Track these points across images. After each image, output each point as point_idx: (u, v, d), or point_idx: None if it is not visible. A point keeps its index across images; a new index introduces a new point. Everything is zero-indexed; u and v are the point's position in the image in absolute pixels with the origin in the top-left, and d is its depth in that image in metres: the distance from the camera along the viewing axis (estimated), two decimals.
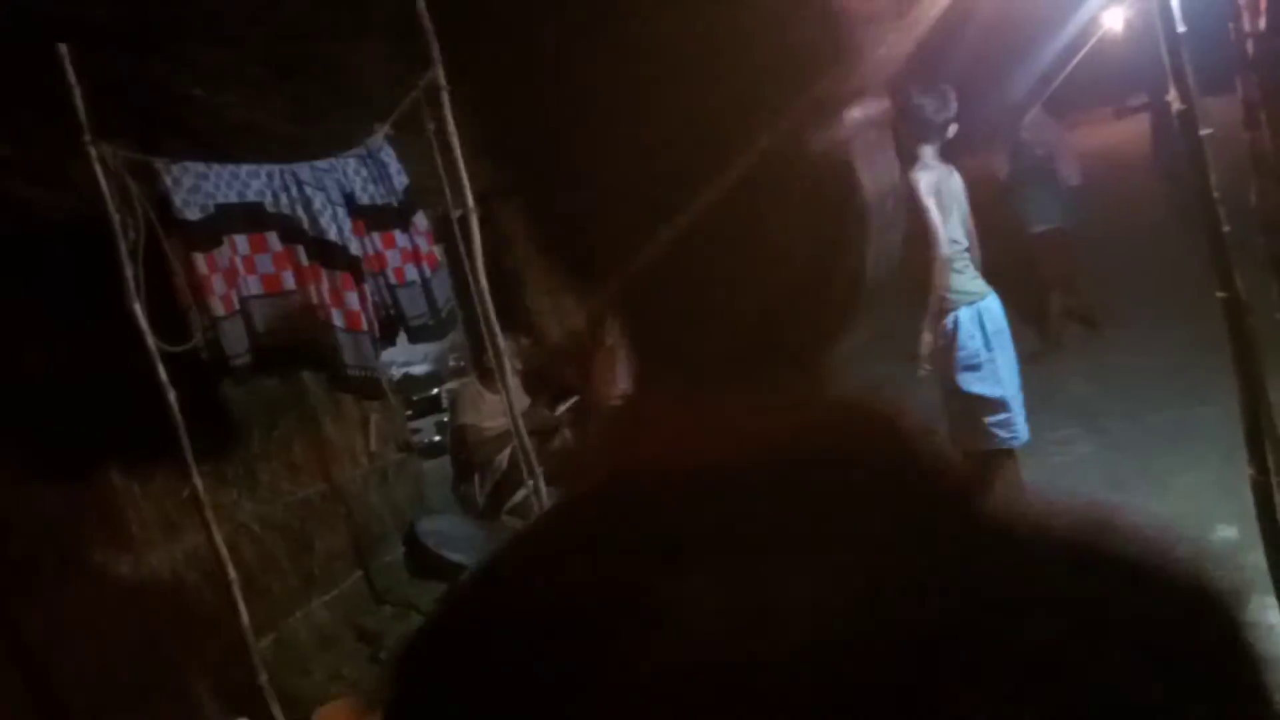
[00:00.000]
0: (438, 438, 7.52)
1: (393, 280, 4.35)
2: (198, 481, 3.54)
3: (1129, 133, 19.34)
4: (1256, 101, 5.07)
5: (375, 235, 4.28)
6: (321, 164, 4.10)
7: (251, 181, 3.86)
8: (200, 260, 3.63)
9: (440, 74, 4.03)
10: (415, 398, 8.11)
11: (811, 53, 0.53)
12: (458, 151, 4.10)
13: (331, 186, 4.09)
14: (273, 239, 3.93)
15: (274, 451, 4.66)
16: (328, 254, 4.06)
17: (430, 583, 5.22)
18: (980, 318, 4.07)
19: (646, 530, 0.52)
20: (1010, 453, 4.14)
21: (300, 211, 3.99)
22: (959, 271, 4.08)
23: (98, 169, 3.32)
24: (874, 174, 0.57)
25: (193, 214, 3.62)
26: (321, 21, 4.41)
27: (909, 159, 4.02)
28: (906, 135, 4.02)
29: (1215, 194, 3.09)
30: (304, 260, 4.00)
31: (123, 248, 3.39)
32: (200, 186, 3.66)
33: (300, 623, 4.46)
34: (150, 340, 3.43)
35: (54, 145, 3.52)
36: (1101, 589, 0.47)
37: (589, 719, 0.47)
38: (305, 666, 4.20)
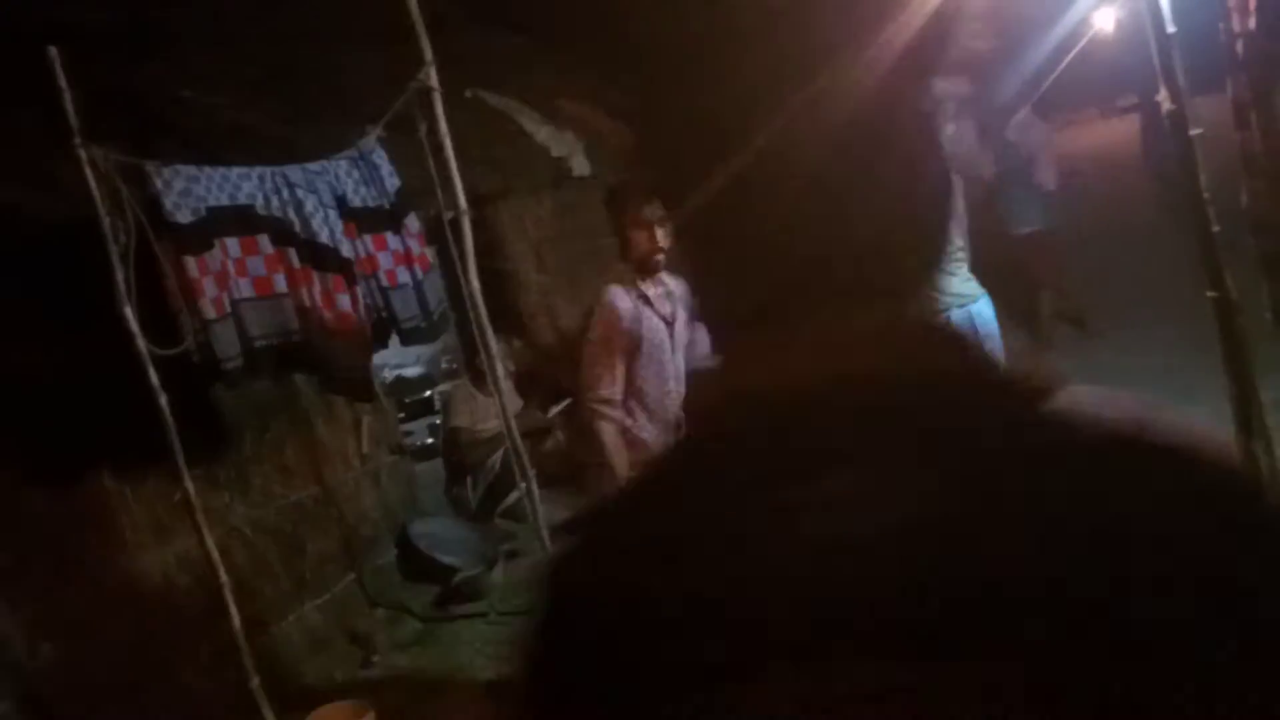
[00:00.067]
0: (430, 440, 7.51)
1: (385, 283, 4.34)
2: (189, 485, 3.54)
3: (1119, 133, 19.40)
4: (1247, 102, 5.09)
5: (367, 237, 4.28)
6: (313, 166, 4.09)
7: (243, 184, 3.85)
8: (191, 263, 3.62)
9: (432, 75, 4.03)
10: (407, 400, 8.10)
11: (914, 31, 0.61)
12: (450, 153, 4.10)
13: (323, 189, 4.08)
14: (264, 242, 3.92)
15: (266, 454, 4.65)
16: (319, 256, 4.05)
17: (423, 585, 5.22)
18: (972, 321, 4.06)
19: (756, 463, 0.55)
20: None
21: (292, 214, 3.98)
22: (952, 273, 4.07)
23: (88, 172, 3.31)
24: (951, 142, 0.63)
25: (184, 217, 3.61)
26: (313, 23, 4.40)
27: None
28: None
29: (1205, 194, 3.10)
30: (296, 263, 4.00)
31: (113, 251, 3.38)
32: (191, 189, 3.65)
33: (292, 626, 4.45)
34: (141, 343, 3.42)
35: (44, 148, 3.51)
36: (1171, 521, 0.49)
37: (739, 637, 0.49)
38: (297, 670, 4.19)
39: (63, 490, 3.56)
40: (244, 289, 3.85)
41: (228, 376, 3.78)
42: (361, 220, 4.25)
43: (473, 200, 4.54)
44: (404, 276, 4.39)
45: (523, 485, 4.70)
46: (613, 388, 3.50)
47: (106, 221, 3.36)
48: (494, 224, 7.05)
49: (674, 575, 0.53)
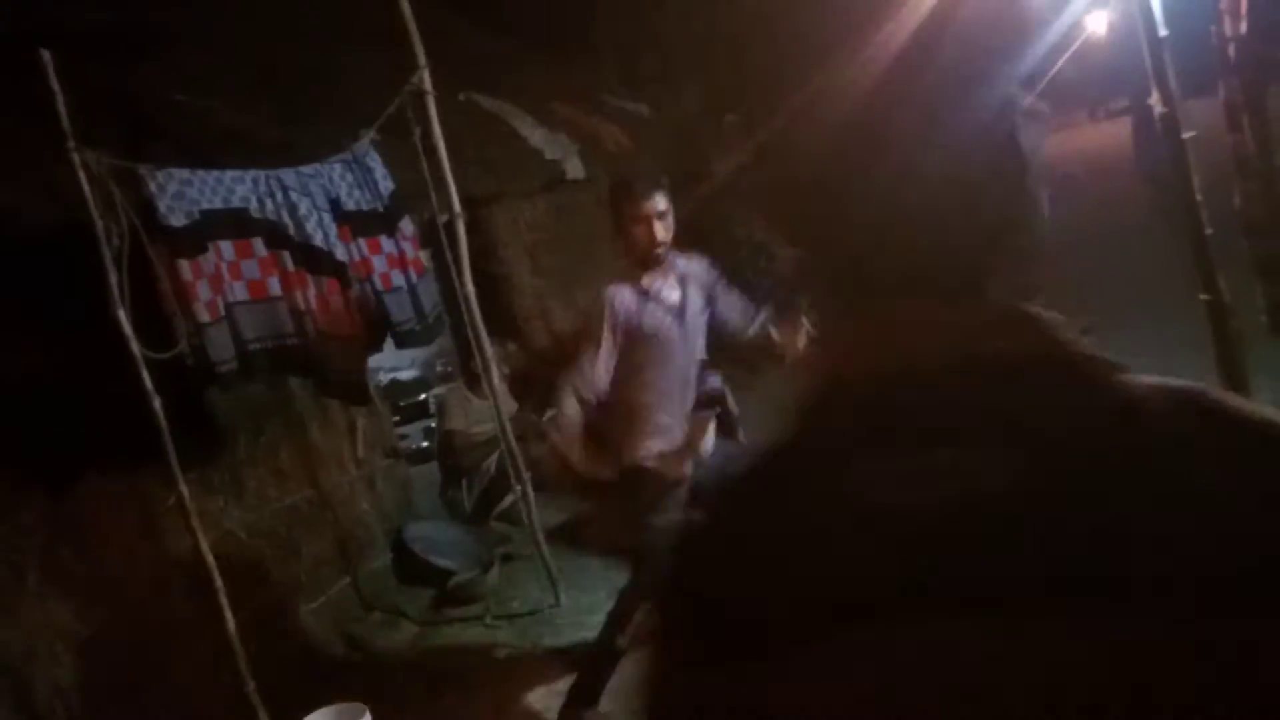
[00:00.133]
0: (425, 443, 7.50)
1: (379, 286, 4.34)
2: (183, 488, 3.53)
3: (1110, 136, 19.44)
4: (1239, 105, 5.11)
5: (361, 241, 4.27)
6: (307, 169, 4.09)
7: (236, 187, 3.85)
8: (185, 267, 3.62)
9: (426, 78, 4.03)
10: (402, 403, 8.09)
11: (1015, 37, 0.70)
12: (443, 156, 4.11)
13: (317, 192, 4.08)
14: (258, 245, 3.92)
15: (260, 458, 4.64)
16: (314, 260, 4.05)
17: (418, 589, 5.21)
18: None
19: (867, 438, 0.63)
20: None
21: (286, 217, 3.98)
22: None
23: (82, 175, 3.31)
24: (1038, 142, 0.73)
25: (177, 220, 3.60)
26: (307, 27, 4.41)
27: None
28: None
29: (1198, 197, 3.11)
30: (290, 266, 3.99)
31: (107, 254, 3.38)
32: (185, 193, 3.65)
33: (288, 629, 4.44)
34: (135, 347, 3.41)
35: (38, 152, 3.51)
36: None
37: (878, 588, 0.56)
38: (293, 673, 4.18)
39: (56, 494, 3.55)
40: (238, 292, 3.84)
41: (222, 380, 3.78)
42: (356, 223, 4.25)
43: (466, 203, 4.55)
44: (398, 279, 4.39)
45: (517, 488, 4.71)
46: (583, 377, 3.49)
47: (100, 225, 3.36)
48: (488, 227, 7.04)
49: (796, 532, 0.61)
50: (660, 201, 3.47)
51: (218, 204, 3.77)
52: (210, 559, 3.59)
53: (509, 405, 5.42)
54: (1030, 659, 0.52)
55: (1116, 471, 0.56)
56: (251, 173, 3.91)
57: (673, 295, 3.60)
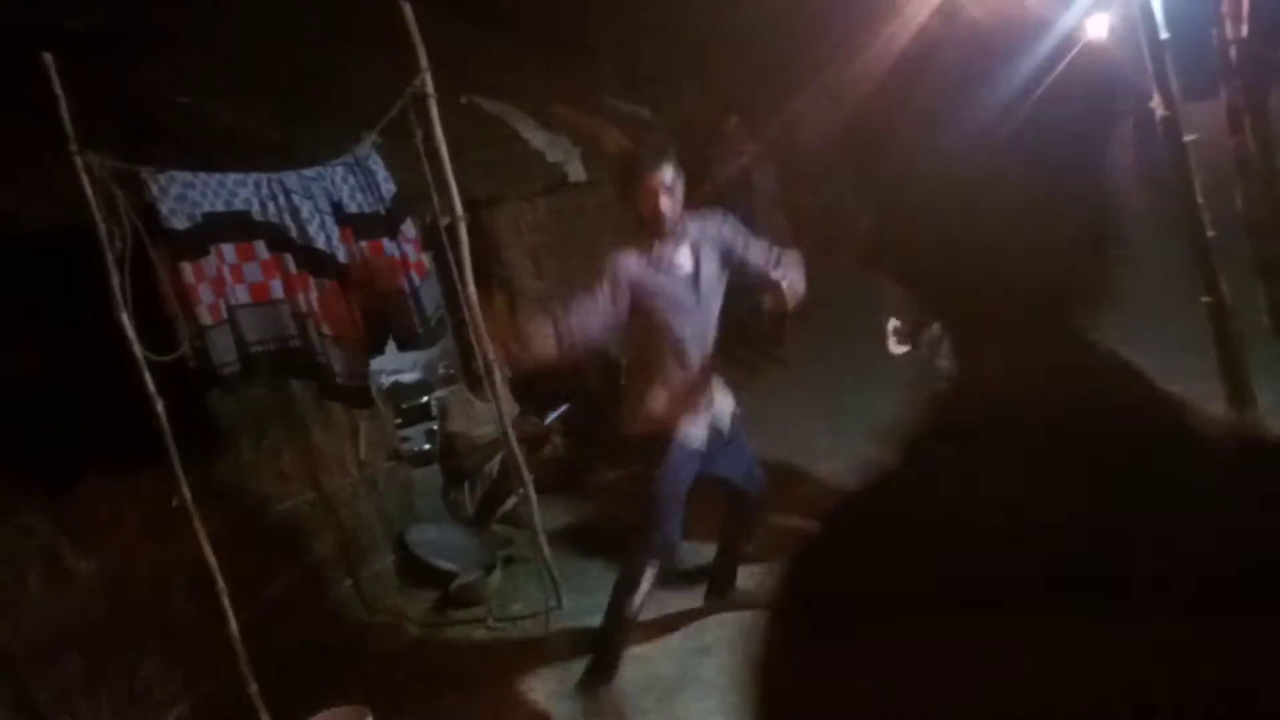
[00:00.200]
0: (427, 446, 7.49)
1: (381, 288, 4.35)
2: (186, 490, 3.53)
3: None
4: (1240, 107, 5.11)
5: (363, 243, 4.28)
6: (309, 172, 4.10)
7: (239, 190, 3.86)
8: (187, 269, 3.63)
9: (428, 80, 4.04)
10: (404, 406, 8.07)
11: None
12: (445, 159, 4.11)
13: (319, 195, 4.09)
14: (260, 248, 3.92)
15: (262, 460, 4.65)
16: (316, 262, 4.05)
17: (420, 591, 5.21)
18: None
19: (978, 455, 0.72)
20: None
21: (288, 220, 3.98)
22: None
23: (84, 178, 3.31)
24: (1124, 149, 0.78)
25: (180, 223, 3.61)
26: (309, 30, 4.41)
27: None
28: None
29: (1199, 199, 3.11)
30: (292, 269, 4.00)
31: (110, 257, 3.38)
32: (187, 195, 3.65)
33: (289, 632, 4.44)
34: (137, 349, 3.42)
35: (40, 154, 3.51)
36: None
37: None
38: (295, 674, 4.18)
39: (58, 496, 3.55)
40: (240, 295, 3.85)
41: (224, 382, 3.78)
42: (358, 226, 4.25)
43: (468, 206, 4.55)
44: (400, 282, 4.39)
45: (520, 491, 4.71)
46: (566, 313, 3.53)
47: (102, 228, 3.37)
48: (490, 229, 7.04)
49: (898, 533, 0.71)
50: (667, 174, 3.55)
51: (220, 207, 3.77)
52: (212, 560, 3.59)
53: (511, 408, 5.42)
54: (1080, 656, 0.61)
55: (1186, 499, 0.65)
56: (253, 175, 3.92)
57: (685, 264, 3.68)
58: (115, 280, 3.38)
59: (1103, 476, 0.66)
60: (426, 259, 4.48)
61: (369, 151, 4.30)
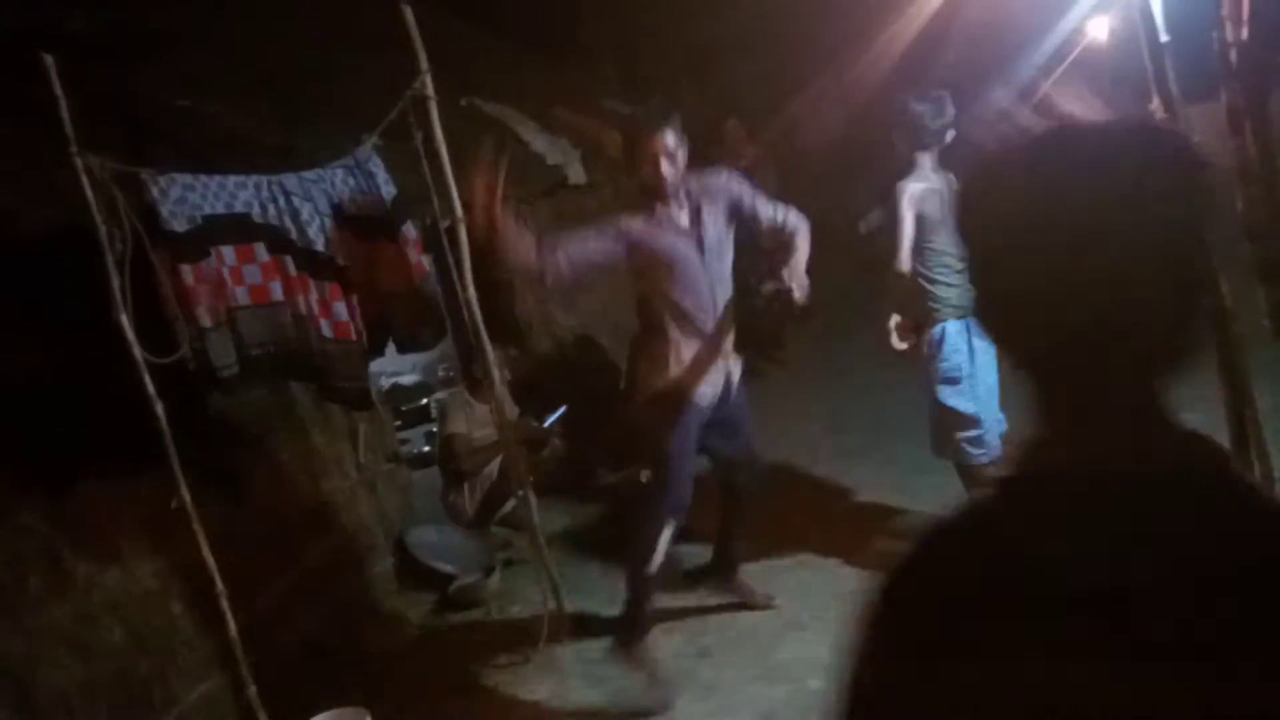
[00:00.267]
0: (426, 448, 7.49)
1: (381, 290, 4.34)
2: (185, 493, 3.53)
3: None
4: (1240, 110, 5.10)
5: (363, 245, 4.27)
6: (309, 174, 4.09)
7: (239, 192, 3.85)
8: (187, 271, 3.62)
9: (428, 83, 4.03)
10: (404, 408, 8.08)
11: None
12: (445, 160, 4.10)
13: (319, 197, 4.08)
14: (260, 250, 3.92)
15: (262, 462, 4.64)
16: (316, 264, 4.05)
17: (419, 593, 5.21)
18: (968, 332, 4.05)
19: (1055, 523, 0.80)
20: (990, 465, 4.15)
21: (288, 222, 3.98)
22: (953, 284, 4.05)
23: (84, 180, 3.31)
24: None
25: (180, 225, 3.61)
26: (310, 32, 4.41)
27: (905, 168, 4.00)
28: (904, 144, 4.00)
29: None
30: (292, 271, 3.99)
31: (109, 259, 3.38)
32: (187, 197, 3.65)
33: (289, 633, 4.43)
34: (137, 351, 3.42)
35: (40, 156, 3.51)
36: None
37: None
38: (294, 677, 4.17)
39: (57, 499, 3.55)
40: (240, 297, 3.85)
41: (224, 384, 3.78)
42: (358, 228, 4.25)
43: (468, 208, 4.54)
44: (400, 284, 4.38)
45: (519, 493, 4.70)
46: (555, 239, 3.64)
47: (103, 230, 3.37)
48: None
49: (977, 570, 0.81)
50: (669, 139, 3.59)
51: (220, 209, 3.77)
52: (211, 562, 3.59)
53: (511, 410, 5.42)
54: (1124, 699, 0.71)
55: (1247, 576, 0.73)
56: (254, 178, 3.91)
57: (688, 224, 3.73)
58: (115, 282, 3.38)
59: (1178, 561, 0.75)
60: (426, 261, 4.48)
61: (369, 153, 4.29)
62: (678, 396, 3.76)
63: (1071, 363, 0.83)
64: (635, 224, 3.67)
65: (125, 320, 3.39)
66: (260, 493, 4.55)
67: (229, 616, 3.60)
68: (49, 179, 3.55)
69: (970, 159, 0.87)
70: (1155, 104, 3.12)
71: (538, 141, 7.20)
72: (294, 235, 3.99)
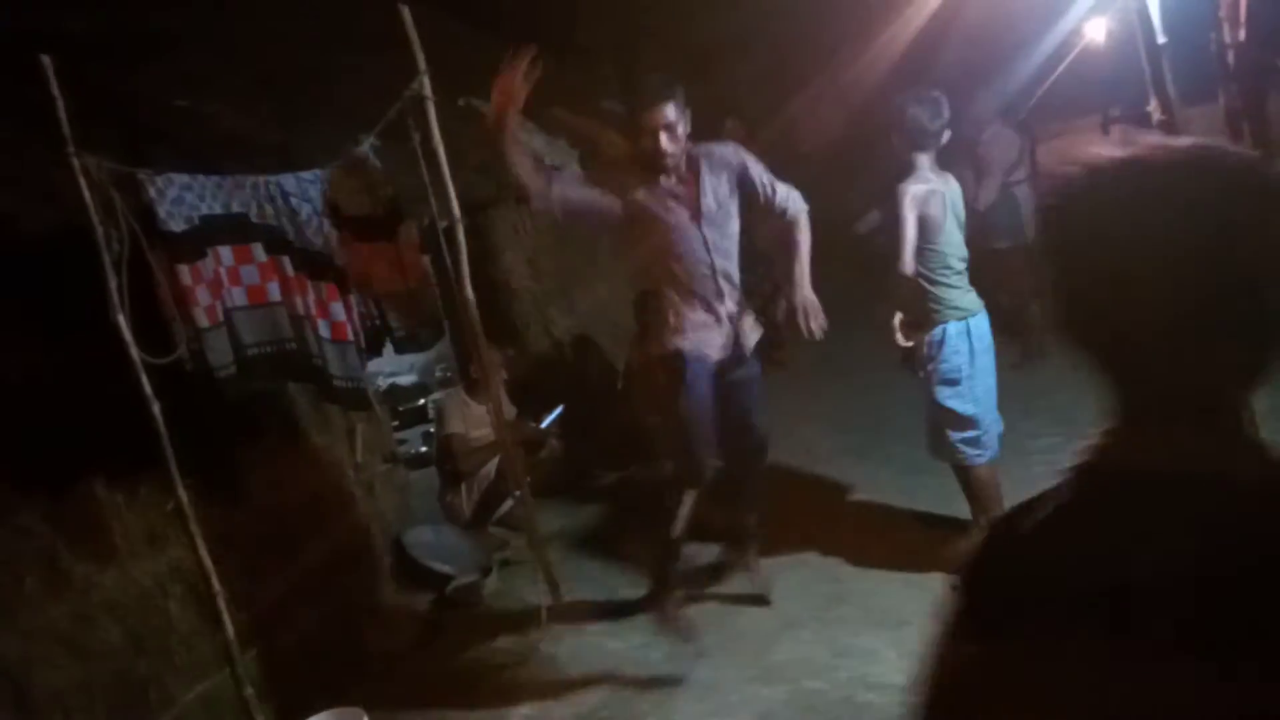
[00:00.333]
0: (424, 448, 7.49)
1: (379, 291, 4.34)
2: (182, 493, 3.53)
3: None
4: (1238, 111, 5.12)
5: (361, 246, 4.27)
6: (307, 174, 4.09)
7: (236, 193, 3.85)
8: (185, 271, 3.62)
9: (425, 83, 4.03)
10: (401, 408, 8.08)
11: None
12: (443, 162, 4.10)
13: (317, 197, 4.08)
14: (258, 250, 3.92)
15: (259, 463, 4.63)
16: (314, 265, 4.05)
17: (417, 593, 5.21)
18: (969, 334, 4.06)
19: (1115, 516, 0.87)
20: (987, 466, 4.15)
21: (285, 222, 3.98)
22: (954, 286, 4.05)
23: (82, 181, 3.31)
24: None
25: (177, 225, 3.61)
26: (308, 32, 4.40)
27: (904, 169, 4.00)
28: (901, 145, 4.00)
29: None
30: (289, 271, 3.99)
31: (107, 259, 3.38)
32: (184, 198, 3.65)
33: (286, 634, 4.43)
34: (134, 351, 3.41)
35: (38, 157, 3.51)
36: None
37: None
38: (291, 678, 4.17)
39: (55, 499, 3.54)
40: (237, 297, 3.85)
41: (221, 385, 3.78)
42: (356, 228, 4.24)
43: (466, 208, 4.54)
44: (398, 285, 4.39)
45: (517, 493, 4.70)
46: (558, 178, 3.81)
47: (100, 230, 3.36)
48: (487, 232, 7.05)
49: (1045, 557, 0.89)
50: (669, 113, 3.66)
51: (217, 209, 3.77)
52: (209, 563, 3.59)
53: (508, 410, 5.42)
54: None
55: None
56: (251, 178, 3.91)
57: (688, 193, 3.81)
58: (112, 282, 3.38)
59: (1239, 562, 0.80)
60: (424, 262, 4.48)
61: (367, 154, 4.29)
62: (678, 355, 3.83)
63: (1155, 369, 0.88)
64: (635, 190, 3.75)
65: (123, 320, 3.39)
66: (258, 493, 4.54)
67: (226, 616, 3.60)
68: (46, 180, 3.55)
69: (1059, 179, 0.93)
70: (1153, 105, 3.12)
71: (535, 142, 7.20)
72: (291, 235, 3.99)
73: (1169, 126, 3.10)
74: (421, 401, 8.35)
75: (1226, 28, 4.88)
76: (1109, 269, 0.87)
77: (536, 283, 7.61)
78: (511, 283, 7.41)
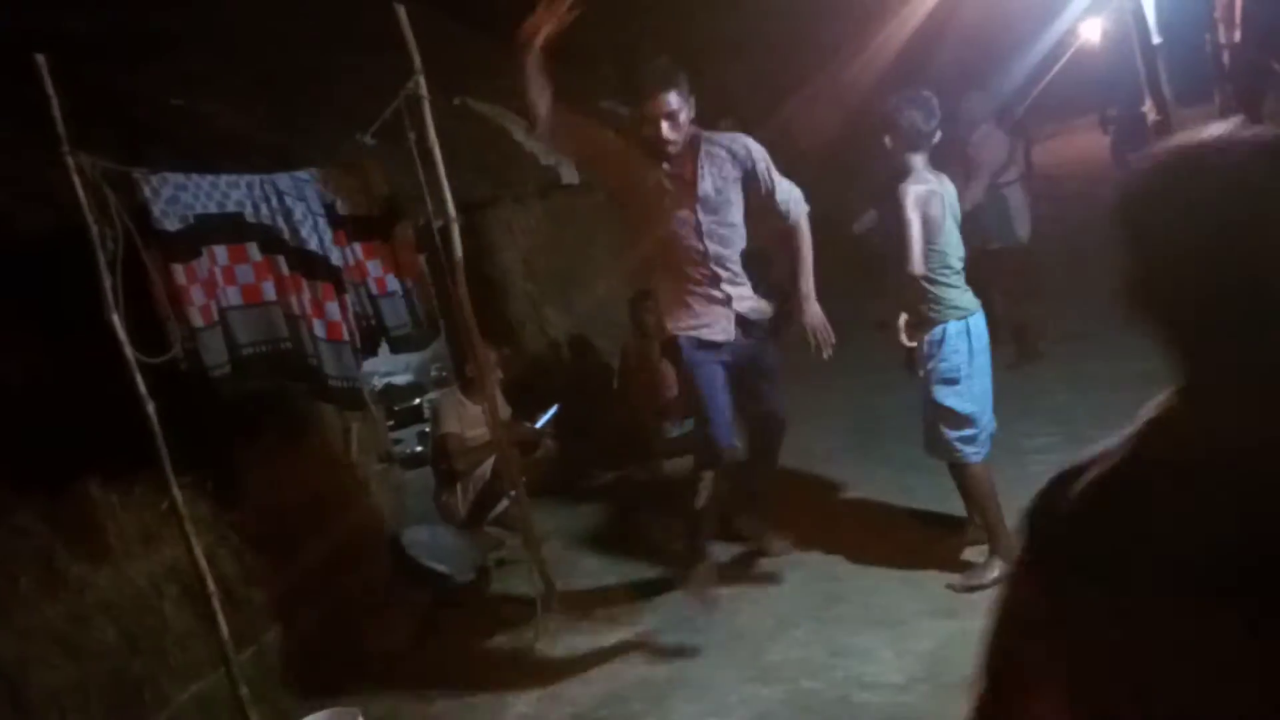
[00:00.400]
0: (419, 448, 7.48)
1: (374, 290, 4.34)
2: (177, 493, 3.52)
3: (1100, 144, 19.46)
4: (1234, 112, 5.13)
5: (356, 245, 4.27)
6: (302, 174, 4.09)
7: (231, 192, 3.85)
8: (179, 271, 3.61)
9: (421, 83, 4.03)
10: (397, 408, 8.06)
11: None
12: (439, 161, 4.11)
13: (312, 196, 4.08)
14: (253, 249, 3.91)
15: (254, 462, 4.63)
16: (309, 264, 4.05)
17: (413, 593, 5.20)
18: (968, 333, 4.06)
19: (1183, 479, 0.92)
20: (982, 464, 4.16)
21: (281, 222, 3.97)
22: (953, 285, 4.06)
23: (76, 180, 3.30)
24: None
25: (172, 224, 3.60)
26: (304, 32, 4.40)
27: (900, 170, 4.01)
28: (896, 146, 4.01)
29: None
30: (285, 270, 3.99)
31: (101, 259, 3.37)
32: (179, 197, 3.64)
33: (281, 634, 4.43)
34: (129, 351, 3.41)
35: (32, 156, 3.50)
36: None
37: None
38: (286, 678, 4.17)
39: (49, 499, 3.54)
40: (232, 297, 3.84)
41: (216, 384, 3.77)
42: (351, 228, 4.24)
43: (462, 208, 4.54)
44: (393, 284, 4.38)
45: (512, 493, 4.70)
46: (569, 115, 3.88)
47: (94, 229, 3.35)
48: (483, 232, 7.04)
49: (1113, 517, 0.95)
50: (671, 100, 3.72)
51: (212, 208, 3.76)
52: (203, 563, 3.58)
53: (504, 410, 5.41)
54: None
55: None
56: (246, 177, 3.91)
57: (689, 176, 3.88)
58: (107, 281, 3.37)
59: None
60: (420, 261, 4.48)
61: (371, 143, 4.29)
62: (681, 339, 3.96)
63: (1226, 342, 0.93)
64: (638, 167, 3.85)
65: (117, 320, 3.38)
66: (253, 493, 4.54)
67: (221, 617, 3.60)
68: (41, 179, 3.54)
69: (1142, 163, 0.99)
70: (1148, 106, 3.12)
71: (531, 142, 7.20)
72: (286, 235, 3.98)
73: (1164, 127, 3.10)
74: (417, 401, 8.33)
75: (1221, 29, 4.89)
76: (1198, 247, 0.92)
77: (532, 282, 7.61)
78: (507, 282, 7.40)
